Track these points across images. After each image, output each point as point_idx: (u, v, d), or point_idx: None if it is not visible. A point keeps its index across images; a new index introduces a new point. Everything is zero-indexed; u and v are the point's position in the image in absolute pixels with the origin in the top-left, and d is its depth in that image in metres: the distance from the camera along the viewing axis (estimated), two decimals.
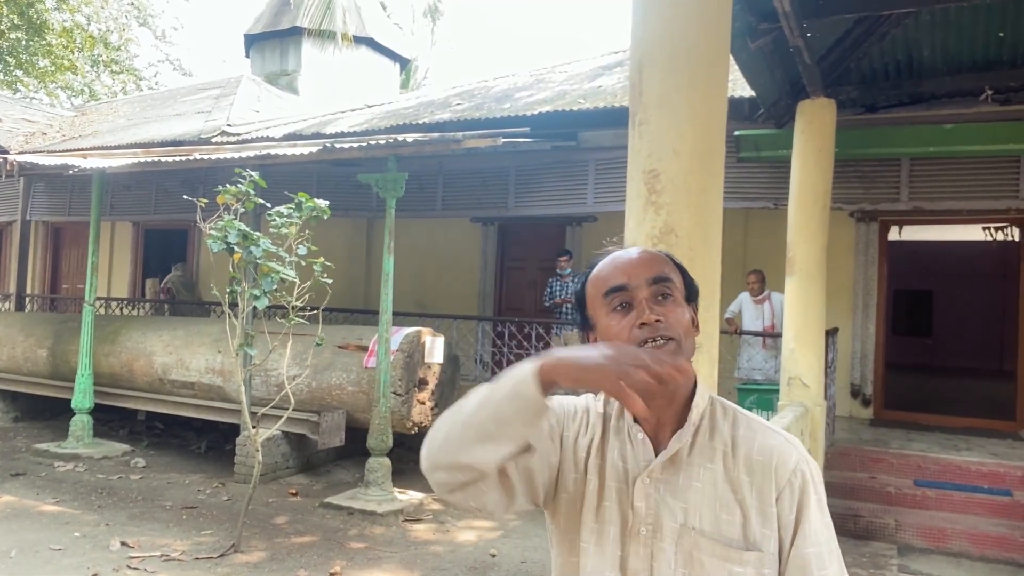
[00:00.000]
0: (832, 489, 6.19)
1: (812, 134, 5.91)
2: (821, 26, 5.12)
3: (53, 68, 21.59)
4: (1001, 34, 5.36)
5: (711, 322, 2.47)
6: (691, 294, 1.27)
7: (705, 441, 1.22)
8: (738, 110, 6.78)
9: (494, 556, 5.41)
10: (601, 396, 1.34)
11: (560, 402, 1.34)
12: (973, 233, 10.82)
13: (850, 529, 6.02)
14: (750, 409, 2.73)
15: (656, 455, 1.22)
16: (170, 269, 12.20)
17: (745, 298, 7.57)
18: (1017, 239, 8.56)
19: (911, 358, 13.22)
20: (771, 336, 7.28)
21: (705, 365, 2.39)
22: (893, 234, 8.76)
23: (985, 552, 5.74)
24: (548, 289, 8.67)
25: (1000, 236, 10.18)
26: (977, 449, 6.75)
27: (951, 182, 7.24)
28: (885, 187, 7.45)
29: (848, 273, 8.27)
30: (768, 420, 1.32)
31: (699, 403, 1.23)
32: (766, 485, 1.17)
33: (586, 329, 1.30)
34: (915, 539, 5.95)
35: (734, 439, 1.22)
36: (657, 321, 1.17)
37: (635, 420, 1.25)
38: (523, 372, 1.07)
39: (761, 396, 6.72)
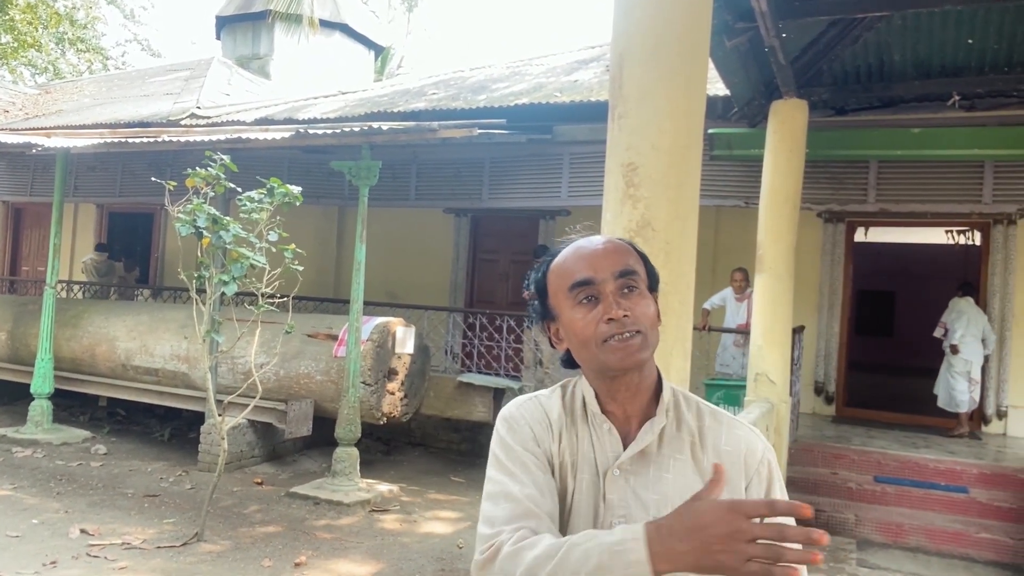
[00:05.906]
0: (795, 484, 6.30)
1: (784, 134, 5.99)
2: (796, 27, 5.20)
3: (16, 45, 20.97)
4: (970, 41, 5.48)
5: (685, 316, 2.49)
6: (653, 283, 1.26)
7: (673, 432, 1.22)
8: (712, 108, 6.79)
9: (461, 548, 5.41)
10: (558, 390, 1.30)
11: (526, 419, 1.25)
12: (936, 236, 11.04)
13: (811, 524, 6.12)
14: (717, 404, 2.76)
15: (624, 447, 1.21)
16: (135, 253, 11.98)
17: (729, 295, 7.64)
18: (978, 243, 8.75)
19: (873, 357, 13.47)
20: (743, 333, 7.35)
21: (678, 358, 2.41)
22: (859, 235, 8.91)
23: (941, 547, 5.89)
24: (526, 283, 8.59)
25: (962, 240, 10.41)
26: (935, 447, 6.91)
27: (917, 185, 7.39)
28: (853, 188, 7.57)
29: (815, 272, 8.39)
30: (734, 415, 1.33)
31: (666, 396, 1.24)
32: (736, 474, 1.19)
33: (546, 319, 1.29)
34: (874, 534, 6.09)
35: (700, 429, 1.23)
36: (624, 316, 1.17)
37: (602, 411, 1.24)
38: (633, 555, 0.97)
39: (728, 392, 6.79)
